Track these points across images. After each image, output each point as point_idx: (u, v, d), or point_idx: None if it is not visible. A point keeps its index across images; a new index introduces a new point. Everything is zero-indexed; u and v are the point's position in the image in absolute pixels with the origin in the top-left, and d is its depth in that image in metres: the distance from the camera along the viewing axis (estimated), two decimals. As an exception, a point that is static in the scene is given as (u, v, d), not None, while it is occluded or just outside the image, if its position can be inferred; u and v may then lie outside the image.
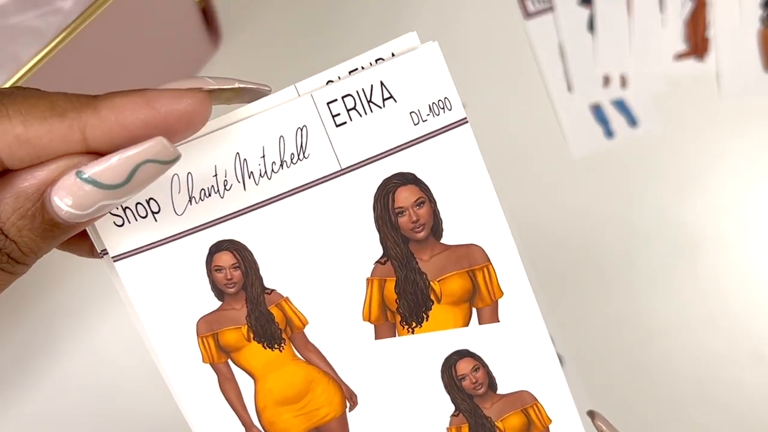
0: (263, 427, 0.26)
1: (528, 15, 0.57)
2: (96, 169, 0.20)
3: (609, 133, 0.56)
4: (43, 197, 0.20)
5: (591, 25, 0.56)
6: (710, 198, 0.55)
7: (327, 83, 0.23)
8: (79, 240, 0.25)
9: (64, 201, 0.20)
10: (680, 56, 0.56)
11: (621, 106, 0.56)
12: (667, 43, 0.56)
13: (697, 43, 0.56)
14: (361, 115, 0.24)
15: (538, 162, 0.55)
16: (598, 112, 0.56)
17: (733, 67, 0.56)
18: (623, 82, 0.56)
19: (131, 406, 0.52)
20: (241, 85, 0.22)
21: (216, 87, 0.21)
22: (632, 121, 0.55)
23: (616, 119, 0.55)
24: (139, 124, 0.20)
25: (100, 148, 0.20)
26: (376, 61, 0.24)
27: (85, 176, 0.20)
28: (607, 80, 0.56)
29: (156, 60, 0.48)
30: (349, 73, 0.24)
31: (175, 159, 0.20)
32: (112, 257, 0.24)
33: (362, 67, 0.23)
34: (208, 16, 0.51)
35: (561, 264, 0.54)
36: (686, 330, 0.53)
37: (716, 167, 0.55)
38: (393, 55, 0.24)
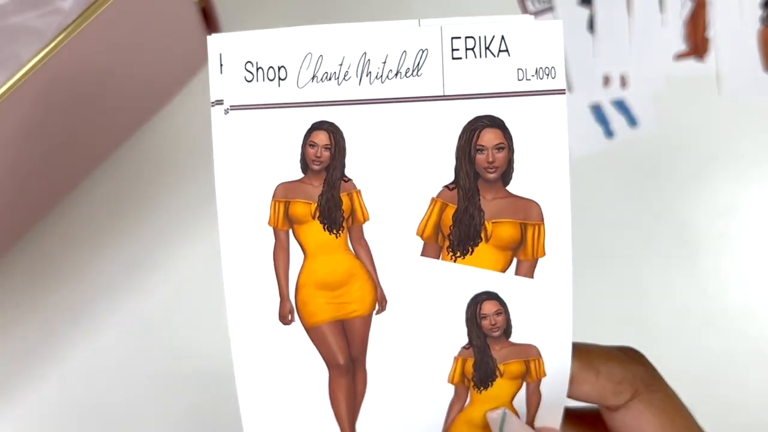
0: (296, 304, 0.28)
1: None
2: None
3: (609, 133, 0.56)
4: None
5: (591, 25, 0.56)
6: (710, 198, 0.55)
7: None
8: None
9: None
10: (680, 56, 0.56)
11: (621, 106, 0.56)
12: (667, 43, 0.56)
13: (697, 43, 0.56)
14: (475, 57, 0.26)
15: (538, 162, 0.55)
16: (598, 112, 0.56)
17: (733, 67, 0.56)
18: (623, 82, 0.56)
19: (131, 405, 0.52)
20: None
21: None
22: (632, 121, 0.55)
23: (616, 119, 0.55)
24: None
25: None
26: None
27: None
28: (607, 80, 0.56)
29: (156, 60, 0.48)
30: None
31: None
32: (230, 105, 0.26)
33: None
34: (208, 16, 0.51)
35: (561, 264, 0.54)
36: (686, 330, 0.53)
37: (716, 167, 0.55)
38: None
